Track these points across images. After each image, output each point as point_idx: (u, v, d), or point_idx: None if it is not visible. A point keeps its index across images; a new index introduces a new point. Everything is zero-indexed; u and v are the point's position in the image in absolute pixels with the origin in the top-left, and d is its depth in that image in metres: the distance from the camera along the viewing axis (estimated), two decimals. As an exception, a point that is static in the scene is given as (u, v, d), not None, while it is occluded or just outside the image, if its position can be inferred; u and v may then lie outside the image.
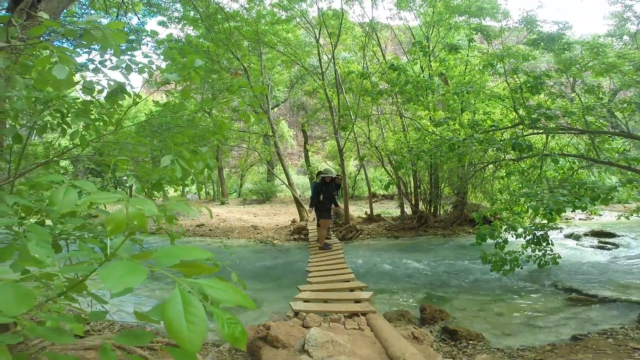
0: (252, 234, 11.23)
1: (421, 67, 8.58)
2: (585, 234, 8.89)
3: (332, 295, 3.42)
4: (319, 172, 7.22)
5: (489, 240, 5.04)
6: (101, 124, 2.58)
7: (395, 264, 7.28)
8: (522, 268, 4.86)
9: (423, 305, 4.39)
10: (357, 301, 3.28)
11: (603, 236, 8.49)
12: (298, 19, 10.85)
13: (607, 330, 3.48)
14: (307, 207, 11.55)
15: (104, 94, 2.14)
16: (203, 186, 22.59)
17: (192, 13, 10.43)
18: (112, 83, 2.07)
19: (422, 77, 6.12)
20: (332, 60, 10.38)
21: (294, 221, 12.18)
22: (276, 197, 23.31)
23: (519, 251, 4.88)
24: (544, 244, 4.58)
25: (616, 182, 5.35)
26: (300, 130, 24.33)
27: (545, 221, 4.70)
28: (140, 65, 1.98)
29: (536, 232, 4.54)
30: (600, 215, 9.86)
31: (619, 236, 8.37)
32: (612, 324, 3.72)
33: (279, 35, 10.33)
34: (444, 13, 9.05)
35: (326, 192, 6.34)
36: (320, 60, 10.86)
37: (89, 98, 2.17)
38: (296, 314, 2.94)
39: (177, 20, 11.06)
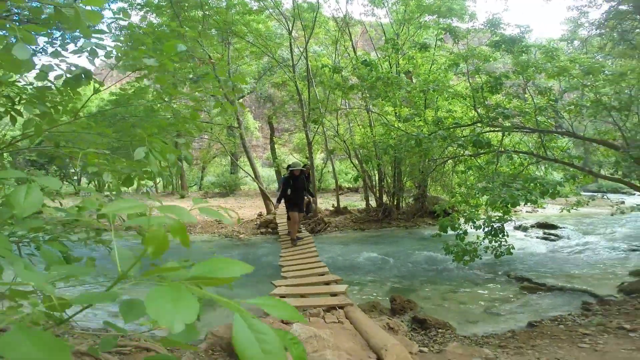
0: (216, 229, 10.87)
1: (389, 64, 8.76)
2: (532, 226, 9.75)
3: (309, 290, 3.42)
4: (288, 166, 7.10)
5: (449, 232, 5.38)
6: (58, 112, 2.31)
7: (363, 256, 7.47)
8: (480, 258, 5.21)
9: (393, 296, 4.56)
10: (334, 294, 3.32)
11: (547, 228, 9.38)
12: (271, 10, 10.53)
13: (557, 317, 3.85)
14: (274, 200, 11.45)
15: (62, 80, 1.92)
16: (161, 179, 21.36)
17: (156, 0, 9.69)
18: (73, 68, 1.86)
19: (392, 74, 6.25)
20: (305, 54, 10.24)
21: (260, 214, 11.98)
22: (240, 190, 22.76)
23: (477, 242, 5.23)
24: (501, 236, 4.94)
25: (560, 178, 5.93)
26: (267, 122, 23.83)
27: (501, 213, 5.08)
28: (108, 49, 1.79)
29: (494, 224, 4.89)
30: (544, 208, 10.87)
31: (560, 228, 9.30)
32: (560, 310, 4.13)
33: (249, 26, 9.95)
34: (416, 12, 9.28)
35: (296, 185, 6.15)
36: (292, 52, 10.65)
37: (44, 84, 1.92)
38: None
39: (139, 7, 10.21)
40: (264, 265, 6.88)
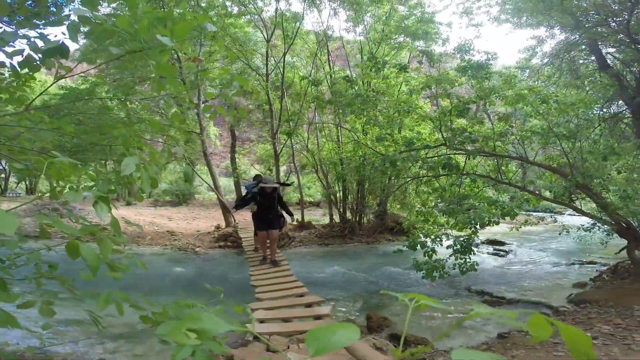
0: (169, 241, 9.99)
1: (366, 82, 8.99)
2: (482, 242, 10.41)
3: (290, 313, 3.17)
4: (257, 178, 6.73)
5: (410, 248, 5.54)
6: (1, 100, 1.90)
7: (330, 272, 7.33)
8: (449, 275, 5.36)
9: (369, 314, 4.46)
10: (317, 317, 3.11)
11: (496, 244, 10.08)
12: (251, 16, 10.29)
13: (522, 328, 4.04)
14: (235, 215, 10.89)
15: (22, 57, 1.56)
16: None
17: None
18: (38, 43, 1.51)
19: (370, 92, 6.36)
20: (282, 64, 10.10)
21: (218, 227, 11.30)
22: (194, 199, 21.47)
23: (445, 259, 5.40)
24: (469, 254, 5.15)
25: (509, 199, 6.45)
26: (228, 130, 22.99)
27: (469, 233, 5.31)
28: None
29: (463, 242, 5.09)
30: (493, 225, 11.78)
31: (507, 244, 10.06)
32: (522, 321, 4.34)
33: (227, 30, 9.59)
34: (394, 32, 9.67)
35: (263, 203, 5.35)
36: (267, 61, 10.43)
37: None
38: (256, 337, 2.61)
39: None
40: (226, 282, 6.42)
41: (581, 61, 8.38)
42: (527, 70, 9.43)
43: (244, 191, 7.34)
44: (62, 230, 1.15)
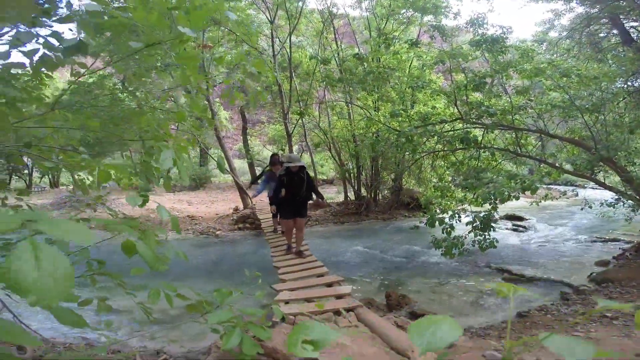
0: (190, 226, 10.30)
1: (373, 59, 8.71)
2: (501, 218, 10.27)
3: (312, 293, 3.27)
4: (274, 158, 6.29)
5: (429, 224, 5.51)
6: (26, 101, 1.93)
7: (347, 251, 7.45)
8: (468, 252, 5.36)
9: (388, 292, 4.55)
10: (339, 297, 3.20)
11: (515, 220, 9.93)
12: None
13: (542, 307, 4.05)
14: (251, 192, 11.04)
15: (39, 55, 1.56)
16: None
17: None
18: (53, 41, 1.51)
19: (382, 70, 6.16)
20: (289, 44, 9.85)
21: (236, 209, 11.54)
22: (211, 182, 21.87)
23: (463, 236, 5.38)
24: (489, 230, 5.10)
25: (527, 172, 6.25)
26: (238, 112, 22.95)
27: (489, 208, 5.24)
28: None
29: (483, 218, 5.03)
30: (512, 200, 11.55)
31: (526, 219, 9.90)
32: (543, 301, 4.34)
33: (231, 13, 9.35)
34: (402, 6, 9.23)
35: (292, 185, 4.58)
36: (272, 43, 10.20)
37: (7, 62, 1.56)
38: (282, 318, 2.72)
39: None
40: (247, 264, 6.62)
41: (602, 35, 7.84)
42: (545, 43, 8.92)
43: (260, 189, 6.71)
44: (110, 227, 1.19)
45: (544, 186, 6.66)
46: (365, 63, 5.95)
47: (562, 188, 11.57)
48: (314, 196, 4.93)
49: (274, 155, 6.40)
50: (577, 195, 10.86)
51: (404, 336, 2.41)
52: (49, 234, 0.50)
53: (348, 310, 2.89)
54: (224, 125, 21.29)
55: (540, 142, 8.05)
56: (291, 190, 4.59)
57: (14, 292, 0.44)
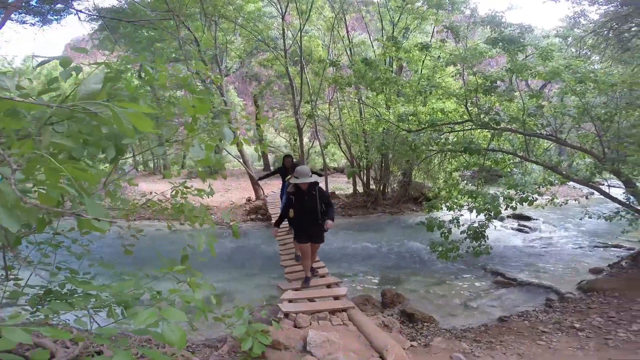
0: (205, 211, 10.90)
1: (384, 59, 8.77)
2: (508, 216, 10.39)
3: (314, 293, 3.69)
4: (287, 158, 5.93)
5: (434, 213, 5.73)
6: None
7: (352, 246, 7.84)
8: (463, 258, 5.65)
9: (384, 291, 4.94)
10: (336, 297, 3.62)
11: (522, 219, 10.03)
12: None
13: (523, 313, 4.34)
14: (263, 187, 11.52)
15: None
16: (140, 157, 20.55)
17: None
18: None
19: (391, 75, 6.33)
20: (300, 39, 10.00)
21: (249, 199, 12.08)
22: (225, 169, 22.54)
23: (459, 241, 5.63)
24: (482, 240, 5.36)
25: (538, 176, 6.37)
26: (251, 99, 23.30)
27: (485, 219, 5.47)
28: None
29: (476, 229, 5.29)
30: (511, 210, 11.56)
31: (534, 219, 9.99)
32: (527, 306, 4.63)
33: (241, 10, 9.55)
34: (415, 1, 9.15)
35: (302, 204, 3.86)
36: (284, 38, 10.38)
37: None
38: (286, 315, 3.18)
39: None
40: (258, 255, 7.14)
41: (630, 34, 7.57)
42: (570, 39, 8.68)
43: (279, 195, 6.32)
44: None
45: (561, 182, 6.71)
46: (373, 68, 6.11)
47: (585, 189, 11.44)
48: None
49: (287, 157, 6.00)
50: (591, 194, 10.75)
51: (383, 336, 2.81)
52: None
53: (342, 310, 3.30)
54: (237, 113, 21.67)
55: (552, 146, 8.06)
56: (301, 212, 3.87)
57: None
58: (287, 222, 4.25)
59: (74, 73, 1.32)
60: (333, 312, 3.30)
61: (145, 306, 1.19)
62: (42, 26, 8.94)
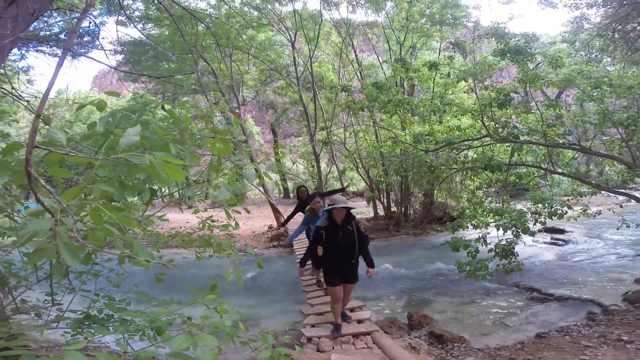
0: (230, 243, 11.13)
1: (395, 80, 8.99)
2: (540, 230, 9.90)
3: (328, 317, 3.64)
4: (301, 189, 5.48)
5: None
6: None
7: (376, 269, 7.68)
8: (492, 276, 5.42)
9: (410, 313, 4.80)
10: (360, 321, 3.57)
11: (555, 232, 9.54)
12: (271, 22, 10.78)
13: (563, 328, 4.08)
14: (284, 213, 11.69)
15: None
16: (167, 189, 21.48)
17: (153, 12, 10.09)
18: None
19: (403, 97, 6.48)
20: (310, 65, 10.47)
21: (271, 227, 12.23)
22: (246, 197, 23.05)
23: (488, 259, 5.42)
24: (511, 257, 5.14)
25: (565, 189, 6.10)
26: (269, 127, 24.15)
27: (513, 236, 5.27)
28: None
29: (505, 247, 5.10)
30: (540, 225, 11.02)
31: (567, 232, 9.48)
32: (567, 321, 4.36)
33: (253, 40, 10.21)
34: (417, 18, 9.46)
35: (334, 244, 3.28)
36: (295, 65, 10.91)
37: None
38: (309, 339, 3.17)
39: (138, 19, 10.56)
40: (281, 281, 7.16)
41: (633, 34, 7.43)
42: (577, 43, 8.60)
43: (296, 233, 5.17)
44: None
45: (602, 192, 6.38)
46: (384, 91, 6.29)
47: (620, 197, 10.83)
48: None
49: (301, 188, 5.57)
50: (629, 201, 10.14)
51: (410, 358, 2.73)
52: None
53: (366, 334, 3.25)
54: (253, 137, 22.35)
55: (578, 155, 7.79)
56: (334, 250, 3.29)
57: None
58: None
59: (105, 107, 1.51)
60: (356, 335, 3.26)
61: (177, 331, 1.30)
62: (72, 60, 9.83)
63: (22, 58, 8.03)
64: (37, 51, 8.49)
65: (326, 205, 3.44)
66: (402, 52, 10.73)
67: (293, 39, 10.67)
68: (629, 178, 5.62)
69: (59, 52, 9.33)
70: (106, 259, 2.42)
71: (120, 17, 10.48)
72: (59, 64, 1.17)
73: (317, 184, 11.51)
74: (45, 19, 6.95)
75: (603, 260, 7.07)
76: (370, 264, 3.50)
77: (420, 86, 9.81)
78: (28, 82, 9.80)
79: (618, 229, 6.45)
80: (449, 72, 8.25)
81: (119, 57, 11.92)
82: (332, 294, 3.39)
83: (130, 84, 14.11)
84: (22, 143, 0.96)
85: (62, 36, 9.24)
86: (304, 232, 4.98)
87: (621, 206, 7.62)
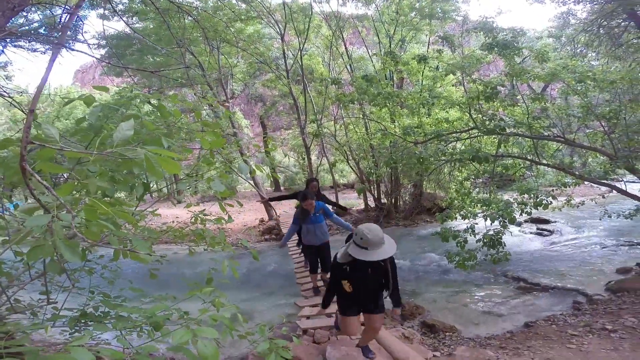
0: (223, 236, 11.06)
1: (384, 73, 9.00)
2: (526, 221, 10.15)
3: (331, 309, 3.70)
4: (310, 183, 5.13)
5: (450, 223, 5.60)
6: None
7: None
8: (480, 266, 5.56)
9: (403, 303, 4.89)
10: (354, 312, 3.62)
11: (540, 222, 9.81)
12: (261, 14, 10.60)
13: (550, 317, 4.23)
14: (274, 204, 11.66)
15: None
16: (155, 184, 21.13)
17: (137, 4, 9.78)
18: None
19: (393, 90, 6.51)
20: (300, 58, 10.38)
21: (262, 220, 12.21)
22: (236, 191, 22.88)
23: (476, 249, 5.56)
24: (499, 247, 5.29)
25: (550, 180, 6.28)
26: (258, 120, 23.95)
27: (500, 227, 5.41)
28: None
29: (492, 237, 5.24)
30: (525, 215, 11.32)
31: (552, 222, 9.76)
32: (553, 310, 4.51)
33: (241, 33, 10.03)
34: (408, 12, 9.48)
35: (362, 277, 2.60)
36: (285, 58, 10.80)
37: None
38: (305, 331, 3.21)
39: (121, 12, 10.22)
40: (274, 275, 7.18)
41: (619, 29, 7.63)
42: (563, 38, 8.80)
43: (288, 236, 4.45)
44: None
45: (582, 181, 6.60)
46: (374, 84, 6.31)
47: (602, 188, 11.16)
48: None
49: (310, 181, 5.21)
50: (611, 192, 10.45)
51: (404, 348, 2.80)
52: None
53: (361, 324, 3.31)
54: (242, 130, 22.15)
55: (562, 147, 8.00)
56: (359, 288, 2.62)
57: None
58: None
59: (85, 102, 1.47)
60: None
61: (174, 326, 1.30)
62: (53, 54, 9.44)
63: (1, 53, 7.66)
64: (15, 46, 8.10)
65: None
66: (392, 45, 10.76)
67: (282, 32, 10.52)
68: (610, 169, 5.82)
69: (38, 46, 8.98)
70: (98, 255, 2.37)
71: (105, 11, 10.15)
72: (52, 60, 1.14)
73: (308, 177, 11.51)
74: (25, 13, 6.65)
75: (586, 249, 7.31)
76: (396, 301, 2.71)
77: (409, 79, 9.86)
78: (7, 78, 9.38)
79: (600, 219, 6.66)
80: (438, 66, 8.32)
81: (102, 51, 11.58)
82: (344, 324, 2.68)
83: (114, 78, 13.70)
84: (14, 139, 0.93)
85: (41, 30, 8.87)
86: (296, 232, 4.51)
87: (604, 197, 7.87)
